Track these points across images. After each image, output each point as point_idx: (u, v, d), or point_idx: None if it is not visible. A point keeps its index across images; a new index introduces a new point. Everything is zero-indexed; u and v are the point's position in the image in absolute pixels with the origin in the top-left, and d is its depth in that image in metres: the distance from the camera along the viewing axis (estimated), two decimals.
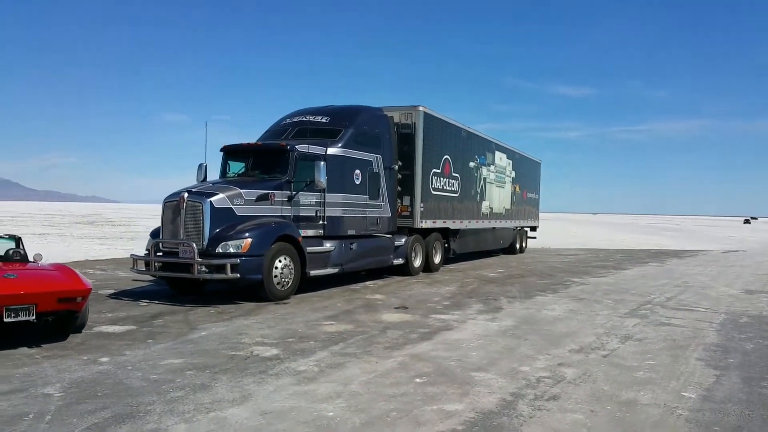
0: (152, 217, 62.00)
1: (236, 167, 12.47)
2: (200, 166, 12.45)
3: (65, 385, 5.53)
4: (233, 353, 6.88)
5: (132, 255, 11.49)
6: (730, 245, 36.09)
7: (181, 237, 10.34)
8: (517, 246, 24.85)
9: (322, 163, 11.54)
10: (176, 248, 10.39)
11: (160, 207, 10.88)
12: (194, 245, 10.06)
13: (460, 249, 18.68)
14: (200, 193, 10.49)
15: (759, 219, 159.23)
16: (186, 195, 10.39)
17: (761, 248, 33.09)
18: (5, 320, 6.53)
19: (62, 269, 7.53)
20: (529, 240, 26.95)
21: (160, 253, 10.72)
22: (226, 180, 11.68)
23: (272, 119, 14.40)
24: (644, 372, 6.26)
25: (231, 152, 12.55)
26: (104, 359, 6.52)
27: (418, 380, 5.85)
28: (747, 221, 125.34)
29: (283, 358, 6.69)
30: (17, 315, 6.59)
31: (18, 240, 8.26)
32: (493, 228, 21.63)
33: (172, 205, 10.54)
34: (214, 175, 12.57)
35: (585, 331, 8.42)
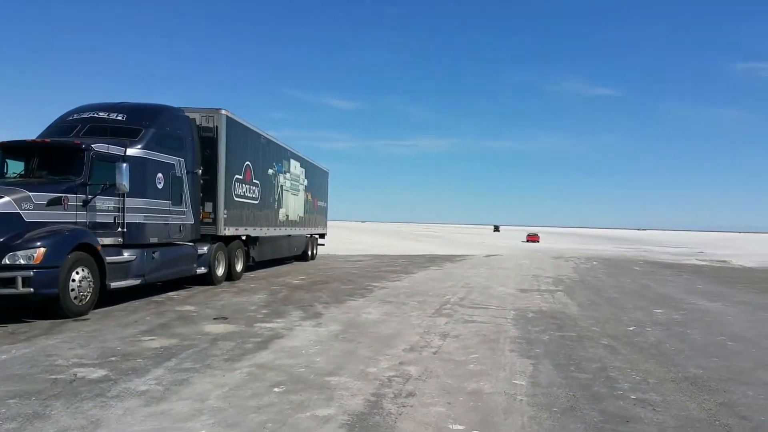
0: None
1: (15, 167, 10.94)
2: None
3: None
4: (53, 377, 6.08)
5: None
6: (488, 250, 40.74)
7: None
8: (309, 253, 25.30)
9: (125, 165, 10.60)
10: None
11: None
12: None
13: (259, 257, 18.49)
14: None
15: (500, 227, 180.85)
16: None
17: (514, 252, 37.98)
18: None
19: None
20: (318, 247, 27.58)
21: None
22: (11, 181, 10.16)
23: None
24: (474, 365, 6.92)
25: (10, 150, 10.95)
26: None
27: (276, 390, 5.77)
28: (496, 229, 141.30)
29: (115, 378, 6.09)
30: None
31: None
32: (289, 235, 21.78)
33: None
34: None
35: (407, 332, 8.97)
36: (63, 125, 12.01)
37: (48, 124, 12.36)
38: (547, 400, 5.54)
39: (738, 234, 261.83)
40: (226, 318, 9.92)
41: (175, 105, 13.78)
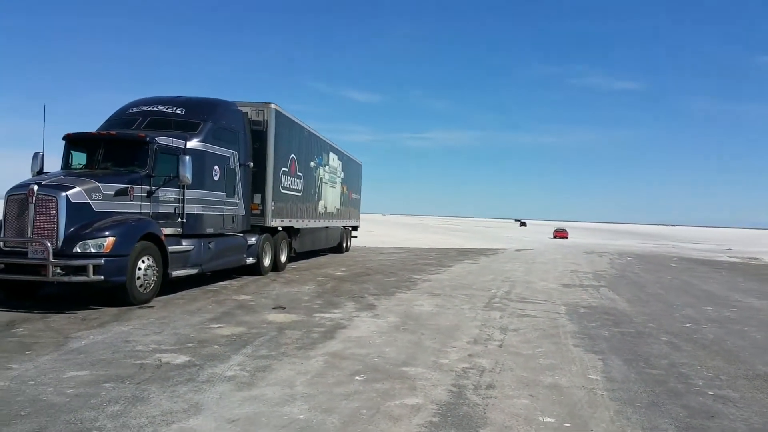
0: None
1: (79, 158, 11.30)
2: (36, 155, 11.08)
3: None
4: (139, 362, 6.33)
5: None
6: (516, 245, 40.69)
7: (30, 235, 9.11)
8: (344, 245, 25.54)
9: (188, 157, 10.91)
10: (24, 247, 9.13)
11: None
12: (48, 244, 8.94)
13: (300, 248, 18.74)
14: (53, 186, 9.33)
15: (526, 221, 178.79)
16: (36, 188, 9.17)
17: (544, 248, 37.86)
18: None
19: None
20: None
21: None
22: (79, 172, 10.48)
23: None
24: (543, 359, 7.03)
25: (75, 141, 11.29)
26: None
27: (358, 378, 5.96)
28: (523, 224, 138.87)
29: (200, 364, 6.33)
30: None
31: None
32: (327, 227, 22.02)
33: (18, 199, 9.23)
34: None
35: (466, 325, 9.11)
36: (123, 118, 12.30)
37: (107, 117, 12.68)
38: (627, 395, 5.64)
39: (763, 231, 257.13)
40: (284, 308, 10.16)
41: (257, 101, 14.72)
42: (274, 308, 10.09)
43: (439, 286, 14.02)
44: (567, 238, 63.40)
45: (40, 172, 10.85)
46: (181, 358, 6.54)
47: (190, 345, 7.19)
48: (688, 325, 9.71)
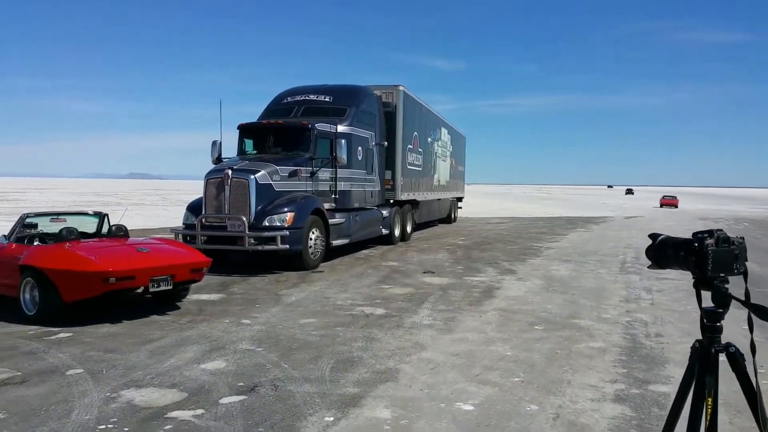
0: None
1: (249, 145, 12.92)
2: (214, 143, 12.76)
3: (255, 342, 6.16)
4: (349, 313, 7.65)
5: (173, 229, 11.83)
6: (622, 212, 40.28)
7: (227, 212, 10.77)
8: (453, 216, 26.60)
9: (344, 141, 12.29)
10: (223, 222, 10.80)
11: None
12: (245, 219, 10.55)
13: (419, 219, 19.97)
14: (244, 170, 10.98)
15: (615, 187, 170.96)
16: (230, 172, 10.81)
17: (653, 215, 37.37)
18: (150, 290, 6.96)
19: (176, 243, 7.91)
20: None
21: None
22: (256, 156, 12.07)
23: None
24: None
25: (248, 130, 12.96)
26: (246, 321, 7.12)
27: (537, 327, 7.01)
28: (629, 191, 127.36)
29: (397, 315, 7.57)
30: (159, 285, 7.01)
31: (105, 216, 8.46)
32: (439, 199, 23.13)
33: (216, 182, 10.92)
34: None
35: (610, 287, 9.96)
36: (280, 107, 13.92)
37: (265, 107, 14.32)
38: None
39: None
40: (433, 272, 11.34)
41: (387, 84, 16.11)
42: (424, 272, 11.30)
43: (564, 253, 14.82)
44: (677, 206, 55.06)
45: (219, 158, 12.51)
46: (379, 311, 7.82)
47: (378, 301, 8.49)
48: None
